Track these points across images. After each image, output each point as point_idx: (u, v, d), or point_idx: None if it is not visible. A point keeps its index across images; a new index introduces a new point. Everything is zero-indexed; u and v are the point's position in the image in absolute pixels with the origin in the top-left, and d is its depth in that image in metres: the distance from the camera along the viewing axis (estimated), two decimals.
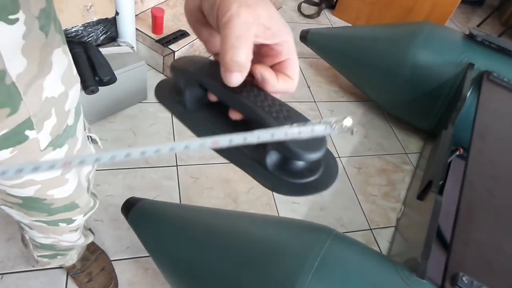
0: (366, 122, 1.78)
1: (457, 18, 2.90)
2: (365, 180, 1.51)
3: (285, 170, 0.29)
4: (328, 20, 2.46)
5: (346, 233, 1.30)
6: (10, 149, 0.44)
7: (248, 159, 0.31)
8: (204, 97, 0.33)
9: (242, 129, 0.30)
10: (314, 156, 0.28)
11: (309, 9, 2.47)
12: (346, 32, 1.77)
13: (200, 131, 0.33)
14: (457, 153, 1.44)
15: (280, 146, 0.28)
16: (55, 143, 0.49)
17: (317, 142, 0.28)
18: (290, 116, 0.29)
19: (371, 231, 1.34)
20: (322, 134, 0.27)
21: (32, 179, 0.51)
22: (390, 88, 1.61)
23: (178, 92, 0.33)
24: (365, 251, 0.81)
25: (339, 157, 1.57)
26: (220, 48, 0.27)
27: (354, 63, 1.69)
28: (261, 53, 0.30)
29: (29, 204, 0.57)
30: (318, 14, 2.44)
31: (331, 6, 2.52)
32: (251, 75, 0.29)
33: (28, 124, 0.43)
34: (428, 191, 1.08)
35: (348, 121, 0.26)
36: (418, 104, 1.59)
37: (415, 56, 1.50)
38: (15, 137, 0.43)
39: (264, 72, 0.29)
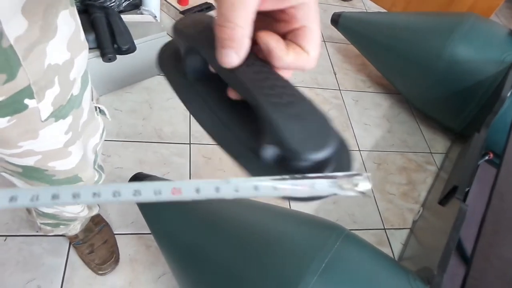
0: (392, 116, 1.70)
1: (502, 13, 2.70)
2: (384, 177, 1.45)
3: (285, 166, 0.24)
4: (363, 4, 2.33)
5: (357, 231, 1.26)
6: (7, 118, 0.41)
7: (242, 145, 0.25)
8: (207, 67, 0.27)
9: (241, 112, 0.26)
10: (317, 155, 0.22)
11: None
12: (380, 18, 1.66)
13: (195, 110, 0.28)
14: (487, 157, 1.35)
15: (275, 138, 0.22)
16: (58, 114, 0.47)
17: (323, 135, 0.23)
18: (293, 102, 0.23)
19: (385, 231, 1.29)
20: (323, 195, 0.21)
21: (32, 149, 0.49)
22: (422, 82, 1.51)
23: (179, 58, 0.28)
24: (377, 255, 0.76)
25: (359, 150, 1.51)
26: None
27: (386, 52, 1.59)
28: (272, 17, 0.24)
29: (30, 173, 0.55)
30: None
31: None
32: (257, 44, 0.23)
33: (27, 92, 0.40)
34: (452, 197, 1.01)
35: (365, 185, 0.21)
36: (450, 102, 1.49)
37: (454, 50, 1.39)
38: (12, 106, 0.40)
39: (269, 41, 0.23)
